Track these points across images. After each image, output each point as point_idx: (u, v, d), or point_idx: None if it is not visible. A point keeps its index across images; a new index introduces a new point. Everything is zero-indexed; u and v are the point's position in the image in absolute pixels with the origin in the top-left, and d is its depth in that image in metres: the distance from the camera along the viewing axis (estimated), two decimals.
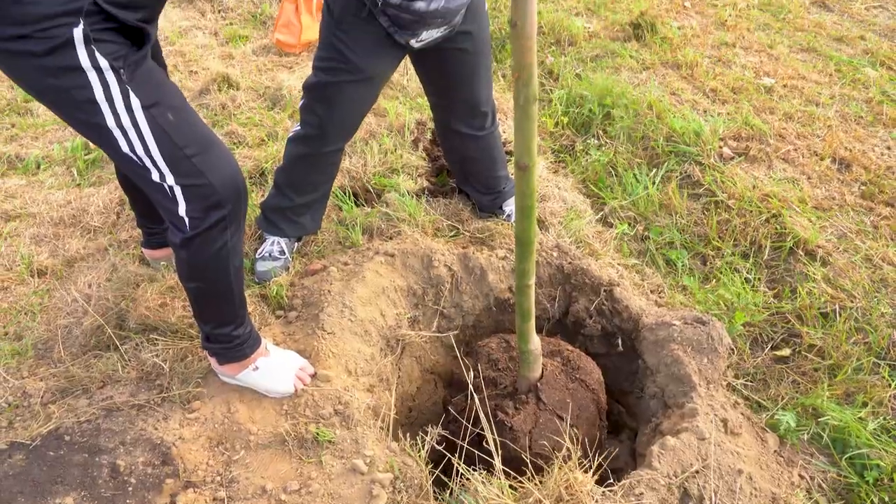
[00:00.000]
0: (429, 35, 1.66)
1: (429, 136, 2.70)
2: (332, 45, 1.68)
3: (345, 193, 2.33)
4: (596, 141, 2.88)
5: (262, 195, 2.38)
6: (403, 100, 2.96)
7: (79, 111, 1.16)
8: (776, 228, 2.32)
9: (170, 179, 1.22)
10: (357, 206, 2.30)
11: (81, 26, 1.07)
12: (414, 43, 1.68)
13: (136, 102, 1.16)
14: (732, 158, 2.68)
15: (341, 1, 1.64)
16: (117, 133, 1.17)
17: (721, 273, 2.23)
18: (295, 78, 3.07)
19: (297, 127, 1.88)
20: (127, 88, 1.14)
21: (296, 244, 2.09)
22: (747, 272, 2.23)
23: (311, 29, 3.38)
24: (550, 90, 3.26)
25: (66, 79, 1.11)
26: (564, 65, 3.42)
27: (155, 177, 1.22)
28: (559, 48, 3.63)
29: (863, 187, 2.54)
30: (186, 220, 1.27)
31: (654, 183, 2.59)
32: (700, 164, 2.65)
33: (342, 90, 1.73)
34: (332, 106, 1.76)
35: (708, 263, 2.32)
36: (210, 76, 3.07)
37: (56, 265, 2.17)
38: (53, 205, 2.46)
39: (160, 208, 1.30)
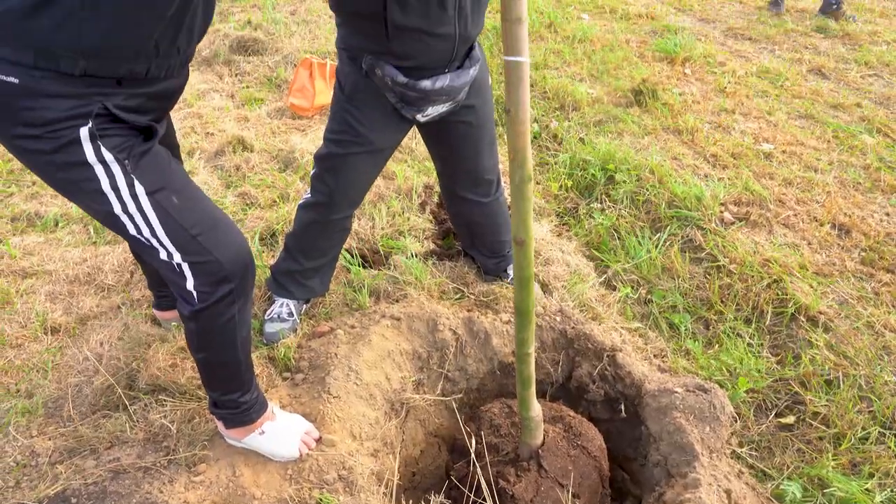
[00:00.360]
0: (434, 110, 1.75)
1: (435, 199, 2.78)
2: (343, 118, 1.77)
3: (353, 255, 2.39)
4: (599, 204, 2.95)
5: (273, 255, 2.45)
6: (412, 163, 3.06)
7: (87, 199, 1.23)
8: (777, 294, 2.35)
9: (177, 258, 1.27)
10: (365, 268, 2.35)
11: (89, 125, 1.14)
12: (420, 117, 1.76)
13: (140, 190, 1.21)
14: (733, 223, 2.73)
15: (352, 78, 1.73)
16: (124, 218, 1.23)
17: (724, 338, 2.25)
18: (307, 141, 3.18)
19: (307, 195, 1.95)
20: (132, 178, 1.20)
21: (304, 306, 2.13)
22: (750, 337, 2.25)
23: (323, 94, 3.52)
24: (555, 153, 3.36)
25: (74, 172, 1.17)
26: (568, 129, 3.53)
27: (163, 255, 1.28)
28: (563, 113, 3.75)
29: (863, 253, 2.58)
30: (195, 294, 1.31)
31: (656, 247, 2.64)
32: (702, 229, 2.70)
33: (352, 161, 1.80)
34: (341, 175, 1.83)
35: (711, 328, 2.34)
36: (226, 138, 3.19)
37: (69, 323, 2.22)
38: (69, 262, 2.53)
39: (169, 282, 1.35)
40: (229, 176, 2.97)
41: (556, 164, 3.25)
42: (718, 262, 2.53)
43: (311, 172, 1.91)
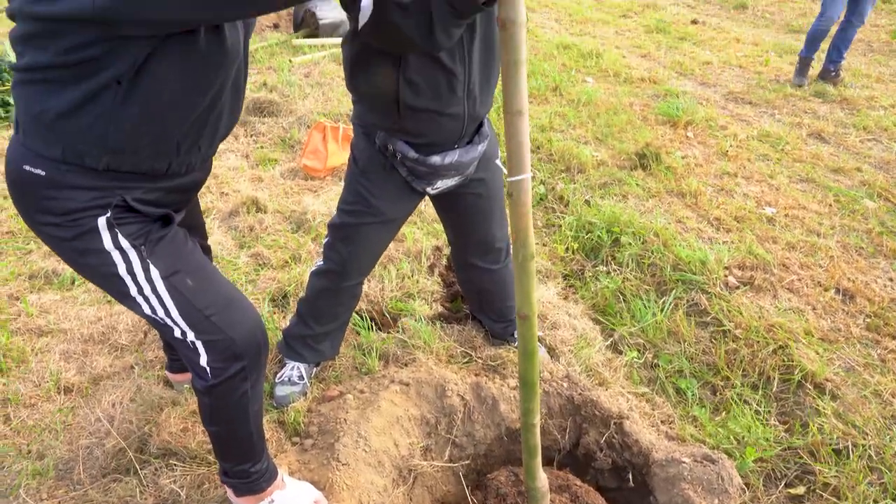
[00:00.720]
0: (444, 184, 1.82)
1: (444, 261, 2.83)
2: (356, 190, 1.84)
3: (362, 318, 2.43)
4: (605, 267, 3.00)
5: (284, 317, 2.49)
6: (421, 224, 3.13)
7: (105, 282, 1.29)
8: (783, 360, 2.36)
9: (191, 336, 1.32)
10: (374, 330, 2.39)
11: (107, 215, 1.20)
12: (430, 190, 1.83)
13: (156, 273, 1.27)
14: (738, 288, 2.76)
15: (366, 153, 1.81)
16: (140, 300, 1.28)
17: (731, 405, 2.25)
18: (319, 202, 3.27)
19: (320, 262, 2.01)
20: (148, 263, 1.26)
21: (314, 369, 2.16)
22: (757, 404, 2.25)
23: (335, 155, 3.64)
24: (561, 215, 3.43)
25: (92, 258, 1.24)
26: (574, 192, 3.61)
27: (177, 333, 1.32)
28: (569, 175, 3.84)
29: (868, 320, 2.60)
30: (208, 369, 1.35)
31: (662, 310, 2.67)
32: (706, 293, 2.73)
33: (364, 231, 1.87)
34: (354, 245, 1.89)
35: (718, 394, 2.34)
36: (240, 199, 3.28)
37: (83, 382, 2.25)
38: (84, 321, 2.57)
39: (183, 357, 1.39)
40: (243, 236, 3.04)
41: (562, 225, 3.32)
42: (724, 326, 2.55)
43: (325, 241, 1.97)
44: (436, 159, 1.72)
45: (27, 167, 1.16)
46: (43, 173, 1.15)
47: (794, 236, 3.15)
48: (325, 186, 3.56)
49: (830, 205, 3.48)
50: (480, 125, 1.83)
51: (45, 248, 3.18)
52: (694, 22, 7.62)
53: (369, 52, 1.56)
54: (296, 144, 4.20)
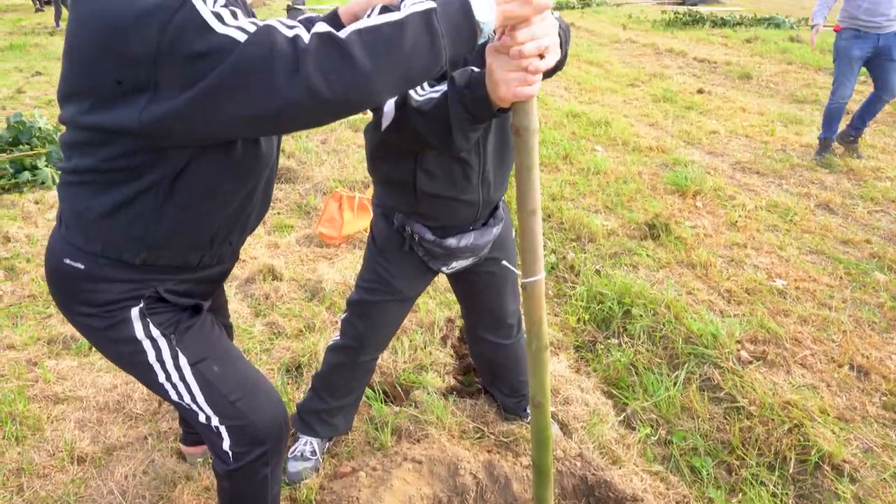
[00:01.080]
0: (459, 264, 1.87)
1: (457, 333, 2.86)
2: (374, 269, 1.90)
3: (375, 391, 2.44)
4: (616, 339, 3.01)
5: (298, 388, 2.51)
6: (434, 294, 3.17)
7: (134, 370, 1.34)
8: (799, 440, 2.34)
9: (215, 421, 1.35)
10: (386, 403, 2.40)
11: (140, 306, 1.26)
12: (445, 270, 1.89)
13: (184, 361, 1.31)
14: (751, 362, 2.76)
15: (384, 233, 1.88)
16: (168, 386, 1.32)
17: (747, 486, 2.22)
18: (334, 271, 3.33)
19: (336, 337, 2.04)
20: (176, 350, 1.30)
21: (327, 444, 2.17)
22: (774, 486, 2.22)
23: (350, 224, 3.72)
24: (572, 285, 3.46)
25: (123, 346, 1.29)
26: (585, 261, 3.66)
27: (202, 418, 1.36)
28: (580, 244, 3.90)
29: (884, 398, 2.58)
30: (230, 453, 1.38)
31: (675, 384, 2.66)
32: (719, 367, 2.73)
33: (381, 308, 1.91)
34: (371, 321, 1.93)
35: (733, 473, 2.31)
36: (257, 266, 3.35)
37: (96, 452, 2.26)
38: (100, 388, 2.60)
39: (206, 440, 1.42)
40: (258, 304, 3.09)
41: (573, 296, 3.35)
42: (738, 402, 2.54)
43: (342, 317, 2.01)
44: (452, 242, 1.78)
45: (67, 260, 1.22)
46: (82, 267, 1.21)
47: (806, 309, 3.16)
48: (339, 254, 3.63)
49: (841, 277, 3.49)
50: (496, 208, 1.89)
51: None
52: (700, 91, 7.83)
53: (389, 142, 1.64)
54: (312, 211, 4.30)
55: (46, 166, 4.89)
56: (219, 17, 0.95)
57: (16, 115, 5.14)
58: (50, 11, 17.55)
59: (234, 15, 0.97)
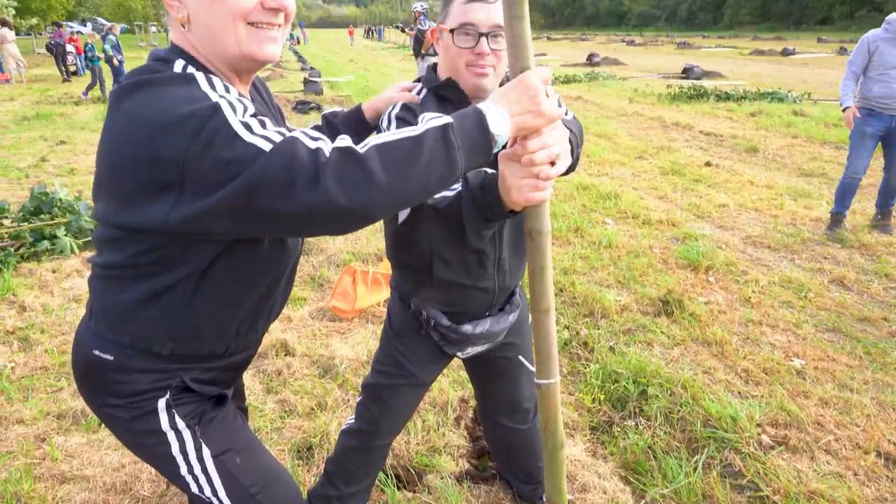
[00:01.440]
0: (474, 350, 1.87)
1: (471, 413, 2.81)
2: (390, 353, 1.89)
3: (387, 475, 2.39)
4: (633, 421, 2.94)
5: (309, 470, 2.46)
6: (447, 372, 3.14)
7: (156, 460, 1.33)
8: None
9: None
10: (399, 489, 2.34)
11: (167, 397, 1.27)
12: (460, 355, 1.88)
13: (207, 453, 1.30)
14: (773, 448, 2.68)
15: (401, 317, 1.88)
16: (189, 478, 1.31)
17: None
18: (347, 347, 3.32)
19: (350, 420, 2.02)
20: (200, 442, 1.30)
21: None
22: None
23: (364, 298, 3.74)
24: (586, 363, 3.42)
25: (148, 438, 1.28)
26: (598, 337, 3.63)
27: None
28: (593, 320, 3.88)
29: None
30: None
31: (695, 470, 2.58)
32: (740, 453, 2.65)
33: (396, 392, 1.89)
34: (385, 405, 1.91)
35: None
36: (269, 341, 3.34)
37: None
38: (108, 468, 2.56)
39: None
40: (270, 380, 3.07)
41: (587, 374, 3.30)
42: (762, 492, 2.45)
43: (357, 400, 1.99)
44: (467, 328, 1.78)
45: (97, 352, 1.24)
46: (111, 358, 1.23)
47: (826, 391, 3.09)
48: (353, 329, 3.62)
49: (860, 357, 3.44)
50: (512, 294, 1.90)
51: (75, 385, 3.23)
52: (708, 164, 7.96)
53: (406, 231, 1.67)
54: (325, 283, 4.33)
55: (65, 235, 4.99)
56: (247, 126, 1.00)
57: (41, 187, 5.29)
58: (77, 81, 18.38)
59: (263, 124, 1.03)
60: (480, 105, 1.11)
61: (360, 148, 1.01)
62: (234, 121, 1.00)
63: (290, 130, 1.55)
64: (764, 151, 8.66)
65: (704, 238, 5.28)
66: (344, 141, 1.02)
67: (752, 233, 5.47)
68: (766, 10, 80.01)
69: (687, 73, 18.93)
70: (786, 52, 29.75)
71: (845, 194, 5.34)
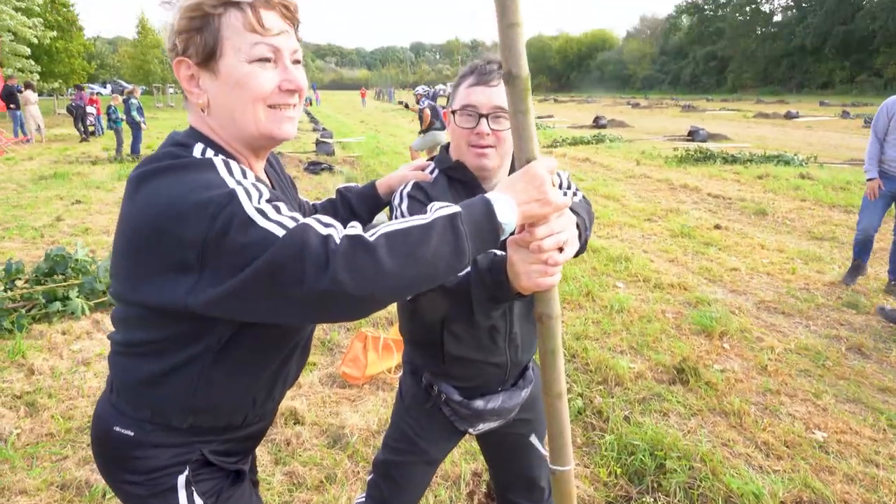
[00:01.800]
0: (486, 426, 1.83)
1: (484, 488, 2.73)
2: (401, 429, 1.86)
3: None
4: (651, 497, 2.84)
5: None
6: (459, 443, 3.06)
7: None
8: None
9: None
10: None
11: (186, 473, 1.26)
12: (472, 431, 1.84)
13: None
14: None
15: (412, 391, 1.86)
16: None
17: None
18: (357, 416, 3.26)
19: (360, 498, 1.97)
20: None
21: None
22: None
23: (374, 365, 3.70)
24: (601, 433, 3.34)
25: None
26: (613, 406, 3.55)
27: None
28: (606, 388, 3.81)
29: None
30: None
31: None
32: None
33: (407, 470, 1.85)
34: (396, 483, 1.86)
35: None
36: (279, 410, 3.30)
37: None
38: None
39: None
40: (279, 451, 3.01)
41: (602, 444, 3.22)
42: None
43: (369, 478, 1.95)
44: (479, 403, 1.76)
45: (117, 428, 1.24)
46: (132, 434, 1.23)
47: (851, 467, 2.99)
48: (363, 396, 3.57)
49: (884, 430, 3.34)
50: (525, 369, 1.88)
51: (82, 453, 3.18)
52: (717, 227, 7.98)
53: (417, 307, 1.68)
54: (335, 348, 4.30)
55: (78, 297, 5.01)
56: (262, 212, 1.04)
57: (59, 249, 5.35)
58: (94, 141, 18.93)
59: (277, 209, 1.06)
60: (488, 194, 1.14)
61: (370, 235, 1.03)
62: (250, 207, 1.03)
63: (304, 210, 1.58)
64: (773, 214, 8.68)
65: (717, 303, 5.23)
66: (354, 229, 1.05)
67: (766, 297, 5.42)
68: (768, 74, 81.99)
69: (692, 135, 19.25)
70: (789, 115, 30.22)
71: (863, 250, 5.53)
